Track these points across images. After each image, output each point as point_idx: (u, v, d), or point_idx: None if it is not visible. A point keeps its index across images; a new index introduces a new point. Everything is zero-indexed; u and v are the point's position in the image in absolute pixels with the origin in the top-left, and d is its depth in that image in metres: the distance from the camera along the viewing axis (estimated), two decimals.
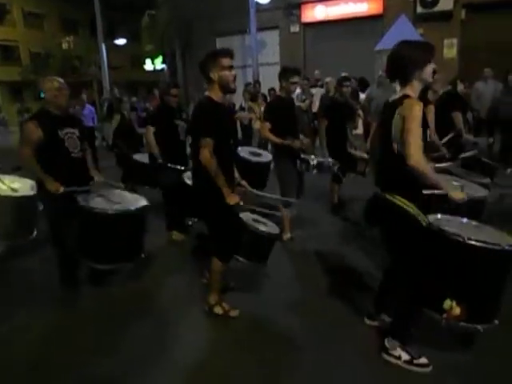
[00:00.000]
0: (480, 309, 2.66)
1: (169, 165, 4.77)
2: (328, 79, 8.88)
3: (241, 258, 3.53)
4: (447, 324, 2.69)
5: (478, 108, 8.79)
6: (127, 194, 4.08)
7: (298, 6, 14.50)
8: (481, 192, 3.93)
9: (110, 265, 3.71)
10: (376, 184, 2.79)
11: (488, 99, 8.31)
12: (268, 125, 4.56)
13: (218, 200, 3.08)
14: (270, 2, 13.76)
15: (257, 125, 8.55)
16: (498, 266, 2.63)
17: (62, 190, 3.52)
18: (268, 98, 9.60)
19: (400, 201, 2.59)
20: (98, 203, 3.64)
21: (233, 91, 3.24)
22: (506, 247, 2.53)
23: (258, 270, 3.91)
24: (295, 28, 14.74)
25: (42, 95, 3.77)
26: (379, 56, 11.18)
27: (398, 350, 2.77)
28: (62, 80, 3.67)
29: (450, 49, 12.29)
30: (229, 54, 3.14)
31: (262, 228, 3.63)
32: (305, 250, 4.69)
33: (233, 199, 3.08)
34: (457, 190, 2.67)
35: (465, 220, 3.02)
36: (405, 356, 2.75)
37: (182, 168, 4.78)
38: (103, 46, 16.57)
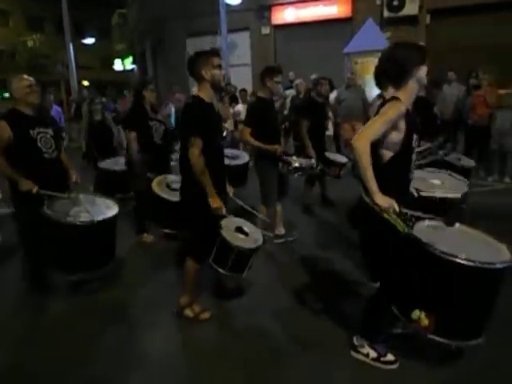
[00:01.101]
0: (454, 324, 2.54)
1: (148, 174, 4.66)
2: (298, 81, 8.99)
3: (215, 266, 3.37)
4: (416, 331, 2.66)
5: (442, 110, 9.06)
6: (100, 200, 3.97)
7: (269, 8, 14.59)
8: (459, 190, 3.84)
9: (78, 274, 3.67)
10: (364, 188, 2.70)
11: (452, 102, 8.58)
12: (248, 130, 4.51)
13: (201, 200, 3.08)
14: (240, 4, 13.79)
15: (227, 125, 8.57)
16: (476, 283, 2.47)
17: (35, 189, 3.41)
18: (239, 99, 9.63)
19: (377, 206, 2.49)
20: (65, 211, 3.53)
21: (223, 89, 3.32)
22: (482, 265, 2.38)
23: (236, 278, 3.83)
24: (266, 30, 14.84)
25: (7, 95, 3.68)
26: (348, 58, 11.41)
27: (366, 347, 2.83)
28: (31, 78, 3.56)
29: None
30: (218, 53, 3.23)
31: (243, 242, 3.38)
32: (285, 252, 4.68)
33: (215, 202, 3.08)
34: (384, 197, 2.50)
35: (456, 225, 2.87)
36: (372, 353, 2.81)
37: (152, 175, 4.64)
38: (71, 45, 16.23)
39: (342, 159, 5.92)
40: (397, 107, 2.46)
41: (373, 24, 11.55)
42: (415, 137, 2.56)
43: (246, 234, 3.49)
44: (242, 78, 13.28)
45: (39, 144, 3.53)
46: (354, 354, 2.88)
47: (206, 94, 3.17)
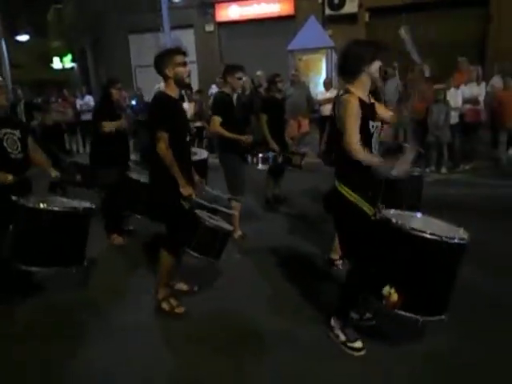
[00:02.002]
0: (420, 299, 2.66)
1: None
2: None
3: (193, 253, 3.47)
4: (386, 310, 2.74)
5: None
6: (70, 200, 3.84)
7: (212, 5, 14.50)
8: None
9: (48, 267, 3.43)
10: (335, 175, 2.89)
11: (390, 96, 8.93)
12: (219, 118, 4.53)
13: (172, 191, 3.17)
14: (183, 0, 13.62)
15: None
16: (440, 259, 2.63)
17: (10, 178, 3.40)
18: (185, 98, 9.52)
19: (344, 190, 2.73)
20: (37, 200, 3.46)
21: (187, 86, 3.34)
22: (445, 239, 2.55)
23: (213, 267, 3.88)
24: (210, 27, 14.74)
25: None
26: (291, 55, 11.57)
27: (338, 330, 2.93)
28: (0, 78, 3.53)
29: None
30: (182, 51, 3.30)
31: (216, 223, 3.63)
32: (257, 246, 4.67)
33: (187, 190, 3.18)
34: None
35: (418, 214, 3.05)
36: (342, 337, 2.91)
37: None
38: (3, 42, 15.32)
39: (303, 149, 6.07)
40: (350, 101, 2.64)
41: (315, 22, 11.79)
42: (373, 123, 2.73)
43: (217, 221, 3.72)
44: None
45: (5, 144, 3.56)
46: (329, 332, 3.00)
47: (171, 90, 3.28)
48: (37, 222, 3.37)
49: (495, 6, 11.73)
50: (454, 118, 8.00)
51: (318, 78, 11.60)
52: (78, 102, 11.81)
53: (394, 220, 2.69)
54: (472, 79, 8.22)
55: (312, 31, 11.42)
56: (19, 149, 3.65)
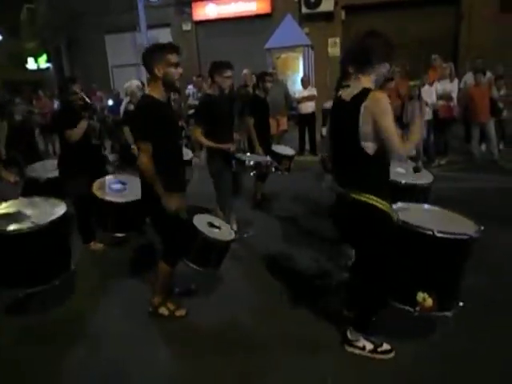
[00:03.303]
0: (447, 297, 2.76)
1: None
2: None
3: (192, 265, 3.33)
4: (420, 315, 2.74)
5: None
6: (42, 201, 3.60)
7: (189, 4, 14.45)
8: (427, 178, 4.06)
9: (29, 288, 3.28)
10: (339, 184, 2.68)
11: None
12: (199, 129, 4.40)
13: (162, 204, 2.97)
14: None
15: None
16: (460, 254, 2.74)
17: None
18: None
19: (372, 200, 2.49)
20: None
21: (177, 90, 3.09)
22: (473, 235, 2.67)
23: (210, 274, 3.74)
24: (187, 26, 14.68)
25: None
26: (269, 54, 11.63)
27: (362, 340, 2.79)
28: None
29: (333, 47, 13.17)
30: (176, 49, 2.93)
31: (215, 234, 3.41)
32: (253, 251, 4.58)
33: (172, 203, 2.94)
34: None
35: (426, 206, 3.06)
36: (369, 346, 2.78)
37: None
38: None
39: (290, 151, 5.99)
40: (382, 98, 2.41)
41: (291, 20, 11.87)
42: None
43: (219, 228, 3.52)
44: None
45: None
46: (348, 348, 2.83)
47: (159, 93, 2.95)
48: (8, 247, 3.15)
49: (467, 3, 12.01)
50: (429, 115, 8.17)
51: (296, 75, 11.71)
52: (56, 103, 11.65)
53: (417, 224, 2.69)
54: (445, 76, 8.41)
55: (289, 29, 11.51)
56: None
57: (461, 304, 2.83)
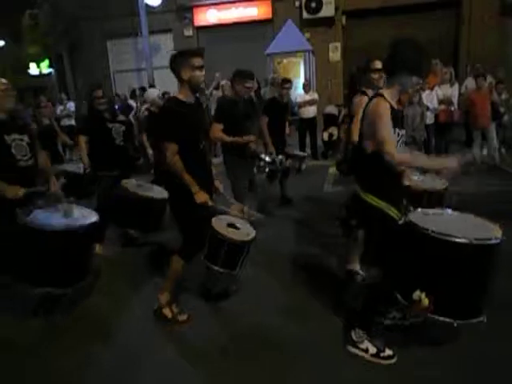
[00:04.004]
0: (454, 302, 2.57)
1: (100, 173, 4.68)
2: (223, 82, 9.07)
3: (212, 266, 3.32)
4: (413, 314, 2.71)
5: None
6: (74, 209, 3.58)
7: (191, 10, 14.53)
8: (442, 183, 4.04)
9: (63, 288, 3.25)
10: (356, 183, 2.80)
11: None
12: (220, 126, 4.47)
13: (185, 199, 3.05)
14: (161, 5, 13.60)
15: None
16: (472, 261, 2.52)
17: (21, 192, 3.18)
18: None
19: (371, 199, 2.64)
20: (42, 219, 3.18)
21: (202, 91, 3.23)
22: (474, 241, 2.45)
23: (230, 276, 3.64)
24: (189, 31, 14.75)
25: None
26: (270, 59, 11.68)
27: (366, 342, 2.76)
28: (5, 81, 3.34)
29: (334, 52, 13.22)
30: (200, 53, 3.10)
31: (235, 235, 3.38)
32: (272, 251, 4.52)
33: (201, 197, 3.06)
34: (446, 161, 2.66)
35: (449, 211, 2.95)
36: (372, 349, 2.74)
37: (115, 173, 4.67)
38: None
39: (301, 153, 6.17)
40: (380, 102, 2.55)
41: (292, 25, 11.93)
42: (398, 131, 2.63)
43: (238, 229, 3.50)
44: (167, 81, 13.09)
45: (13, 151, 3.30)
46: (351, 349, 2.81)
47: (185, 95, 3.11)
48: (42, 241, 3.09)
49: (467, 8, 12.05)
50: (430, 119, 8.19)
51: (297, 80, 11.74)
52: (58, 108, 11.70)
53: (420, 224, 2.60)
54: (445, 80, 8.44)
55: (289, 35, 11.56)
56: (28, 155, 3.38)
57: (482, 319, 2.60)
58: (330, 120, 10.03)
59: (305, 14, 12.93)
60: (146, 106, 6.96)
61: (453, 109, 8.22)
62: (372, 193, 2.66)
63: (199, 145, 3.22)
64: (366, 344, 2.77)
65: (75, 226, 3.20)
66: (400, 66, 2.54)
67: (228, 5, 14.14)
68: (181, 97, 3.11)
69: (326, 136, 9.94)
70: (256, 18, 13.96)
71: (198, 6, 14.45)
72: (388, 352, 2.75)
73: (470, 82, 8.97)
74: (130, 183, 4.65)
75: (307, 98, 9.56)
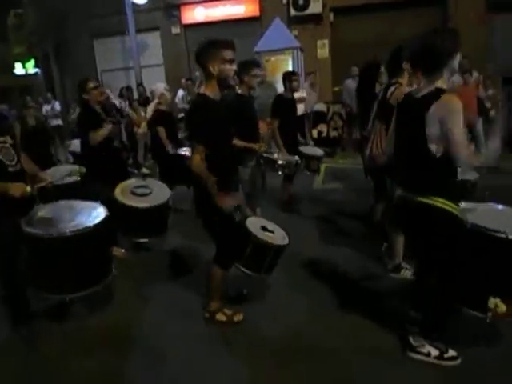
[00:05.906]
0: None
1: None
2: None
3: (244, 269, 3.26)
4: (493, 321, 2.59)
5: (350, 103, 9.65)
6: (78, 202, 3.40)
7: (178, 8, 14.43)
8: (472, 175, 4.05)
9: (78, 293, 3.09)
10: (403, 187, 2.63)
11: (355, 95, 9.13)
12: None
13: (213, 203, 2.91)
14: (148, 3, 13.49)
15: (140, 130, 8.40)
16: None
17: (29, 189, 2.92)
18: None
19: (442, 203, 2.44)
20: (45, 224, 3.00)
21: (232, 87, 3.05)
22: None
23: (257, 280, 3.60)
24: (176, 29, 14.64)
25: None
26: (258, 56, 11.65)
27: (427, 346, 2.69)
28: None
29: (322, 49, 13.22)
30: (232, 45, 2.91)
31: (268, 238, 3.32)
32: (290, 254, 4.39)
33: (224, 202, 2.89)
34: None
35: (492, 205, 2.90)
36: (434, 352, 2.67)
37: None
38: None
39: (318, 152, 5.94)
40: (454, 99, 2.36)
41: (280, 23, 11.89)
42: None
43: (272, 232, 3.44)
44: (155, 79, 13.04)
45: (0, 156, 2.96)
46: (413, 354, 2.72)
47: (213, 91, 2.89)
48: (49, 248, 2.95)
49: (453, 4, 12.12)
50: None
51: None
52: (44, 108, 11.58)
53: (491, 228, 2.49)
54: None
55: (277, 32, 11.53)
56: (16, 159, 3.06)
57: None
58: (319, 117, 10.05)
59: (292, 11, 12.90)
60: (155, 101, 6.59)
61: None
62: (441, 196, 2.45)
63: (226, 143, 3.07)
64: (428, 348, 2.70)
65: (83, 226, 3.03)
66: (445, 54, 2.40)
67: (215, 2, 14.07)
68: (208, 93, 2.88)
69: (315, 133, 9.97)
70: (244, 16, 13.91)
71: (185, 4, 14.36)
72: (452, 353, 2.68)
73: (456, 78, 9.03)
74: (125, 189, 4.35)
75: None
